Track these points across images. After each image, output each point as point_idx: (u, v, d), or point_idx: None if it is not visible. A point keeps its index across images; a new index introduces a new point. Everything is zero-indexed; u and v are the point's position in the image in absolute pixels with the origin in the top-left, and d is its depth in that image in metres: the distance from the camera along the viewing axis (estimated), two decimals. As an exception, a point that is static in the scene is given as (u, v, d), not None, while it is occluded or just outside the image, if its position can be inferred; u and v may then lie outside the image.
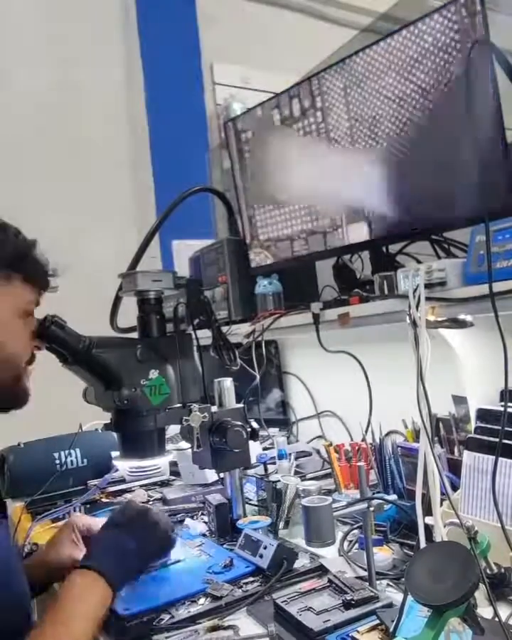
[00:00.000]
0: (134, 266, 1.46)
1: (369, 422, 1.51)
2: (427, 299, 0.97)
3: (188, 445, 1.15)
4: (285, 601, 0.89)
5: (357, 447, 1.38)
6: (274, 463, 1.42)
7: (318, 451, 1.66)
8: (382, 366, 1.51)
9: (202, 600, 0.94)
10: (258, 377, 1.48)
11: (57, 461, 1.57)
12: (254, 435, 1.17)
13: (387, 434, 1.36)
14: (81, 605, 0.83)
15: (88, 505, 1.47)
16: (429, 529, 0.84)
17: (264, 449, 1.64)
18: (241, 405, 1.21)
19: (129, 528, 0.98)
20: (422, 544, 0.82)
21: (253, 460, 1.32)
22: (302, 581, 0.98)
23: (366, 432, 1.46)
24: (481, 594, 0.72)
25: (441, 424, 1.22)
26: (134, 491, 1.54)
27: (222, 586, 0.96)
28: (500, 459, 0.89)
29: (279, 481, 1.20)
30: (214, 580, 0.98)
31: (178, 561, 1.09)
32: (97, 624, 0.84)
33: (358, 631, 0.80)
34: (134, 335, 1.19)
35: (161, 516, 1.04)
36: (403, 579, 0.91)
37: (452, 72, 1.08)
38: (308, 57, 1.94)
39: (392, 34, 1.17)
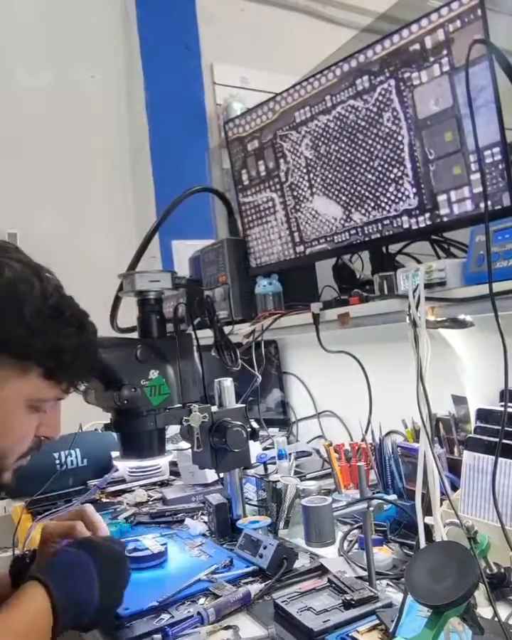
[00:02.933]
0: (134, 266, 1.46)
1: (369, 422, 1.50)
2: (427, 299, 0.97)
3: (188, 445, 1.15)
4: (285, 601, 0.89)
5: (357, 447, 1.38)
6: (274, 463, 1.42)
7: (318, 451, 1.66)
8: (382, 366, 1.51)
9: (202, 600, 0.94)
10: (259, 377, 1.47)
11: (57, 461, 1.57)
12: (254, 435, 1.18)
13: (387, 434, 1.36)
14: (15, 616, 0.73)
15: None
16: (428, 529, 0.84)
17: (264, 449, 1.65)
18: (241, 405, 1.22)
19: (96, 558, 0.85)
20: (422, 544, 0.82)
21: (253, 460, 1.32)
22: (302, 581, 0.98)
23: (366, 431, 1.46)
24: (480, 594, 0.72)
25: (441, 424, 1.22)
26: (133, 490, 1.54)
27: (222, 586, 0.96)
28: (500, 458, 0.89)
29: (279, 481, 1.20)
30: (214, 580, 0.98)
31: None
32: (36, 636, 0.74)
33: (357, 631, 0.80)
34: (134, 335, 1.19)
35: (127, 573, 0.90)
36: (403, 579, 0.91)
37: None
38: (308, 57, 1.95)
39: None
